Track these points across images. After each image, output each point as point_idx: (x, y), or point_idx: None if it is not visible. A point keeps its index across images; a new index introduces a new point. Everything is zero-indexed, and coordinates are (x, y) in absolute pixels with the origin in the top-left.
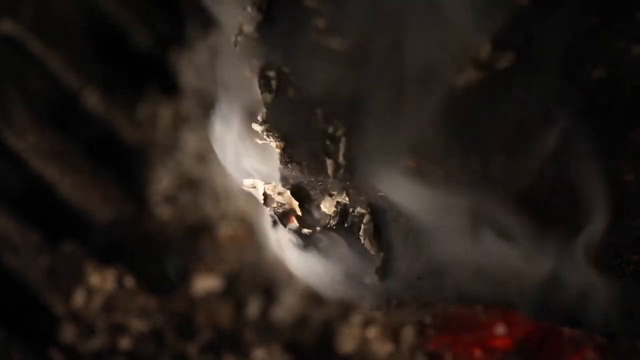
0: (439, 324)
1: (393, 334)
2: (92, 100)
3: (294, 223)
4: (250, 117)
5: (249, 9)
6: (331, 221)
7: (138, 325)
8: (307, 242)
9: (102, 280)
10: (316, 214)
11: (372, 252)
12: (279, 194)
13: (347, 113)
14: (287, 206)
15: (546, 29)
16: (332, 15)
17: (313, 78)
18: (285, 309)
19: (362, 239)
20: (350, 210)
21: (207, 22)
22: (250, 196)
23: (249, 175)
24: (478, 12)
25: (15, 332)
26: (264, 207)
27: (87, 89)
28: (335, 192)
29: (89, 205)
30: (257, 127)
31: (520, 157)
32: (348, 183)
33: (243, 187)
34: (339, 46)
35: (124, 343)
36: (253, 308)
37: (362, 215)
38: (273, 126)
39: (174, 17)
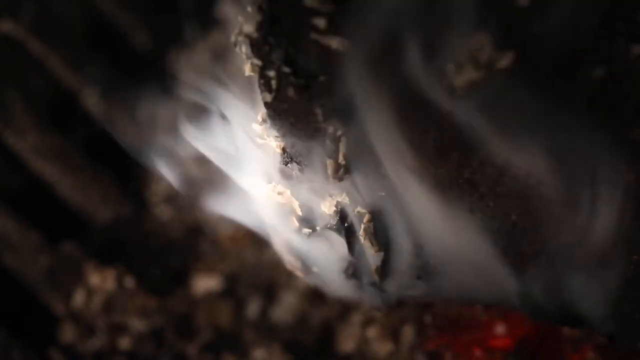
0: (439, 324)
1: (393, 333)
2: (92, 100)
3: (294, 223)
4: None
5: (249, 8)
6: (331, 221)
7: (138, 325)
8: (307, 242)
9: (102, 280)
10: (316, 214)
11: (372, 252)
12: (279, 194)
13: (347, 113)
14: (287, 206)
15: (546, 29)
16: (332, 15)
17: (314, 77)
18: (285, 309)
19: (362, 238)
20: (350, 210)
21: (207, 22)
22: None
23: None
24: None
25: (15, 332)
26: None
27: (87, 89)
28: (335, 192)
29: (89, 205)
30: (257, 127)
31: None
32: (348, 183)
33: (243, 187)
34: (339, 46)
35: (124, 343)
36: (253, 308)
37: (362, 215)
38: (273, 126)
39: (174, 17)
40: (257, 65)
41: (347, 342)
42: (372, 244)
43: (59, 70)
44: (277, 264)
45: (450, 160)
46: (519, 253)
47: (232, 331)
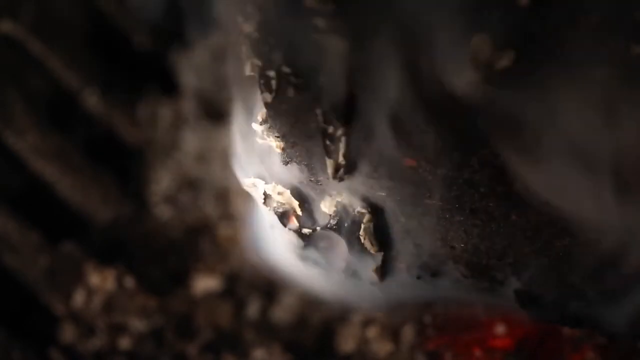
0: (439, 324)
1: (393, 333)
2: (92, 100)
3: (294, 223)
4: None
5: (249, 9)
6: (331, 221)
7: (138, 325)
8: (307, 242)
9: (102, 280)
10: (316, 214)
11: (372, 252)
12: (279, 194)
13: (347, 113)
14: (287, 206)
15: (546, 29)
16: (332, 15)
17: (314, 78)
18: (285, 309)
19: (362, 238)
20: (350, 210)
21: (207, 22)
22: (248, 198)
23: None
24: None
25: (15, 332)
26: (263, 207)
27: (87, 89)
28: (335, 192)
29: (89, 205)
30: (257, 127)
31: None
32: (348, 183)
33: (243, 187)
34: (339, 46)
35: (124, 343)
36: (253, 308)
37: (362, 215)
38: (273, 126)
39: (174, 17)
40: (257, 65)
41: (347, 342)
42: (372, 244)
43: (59, 70)
44: (271, 266)
45: (450, 160)
46: (519, 253)
47: (232, 331)
